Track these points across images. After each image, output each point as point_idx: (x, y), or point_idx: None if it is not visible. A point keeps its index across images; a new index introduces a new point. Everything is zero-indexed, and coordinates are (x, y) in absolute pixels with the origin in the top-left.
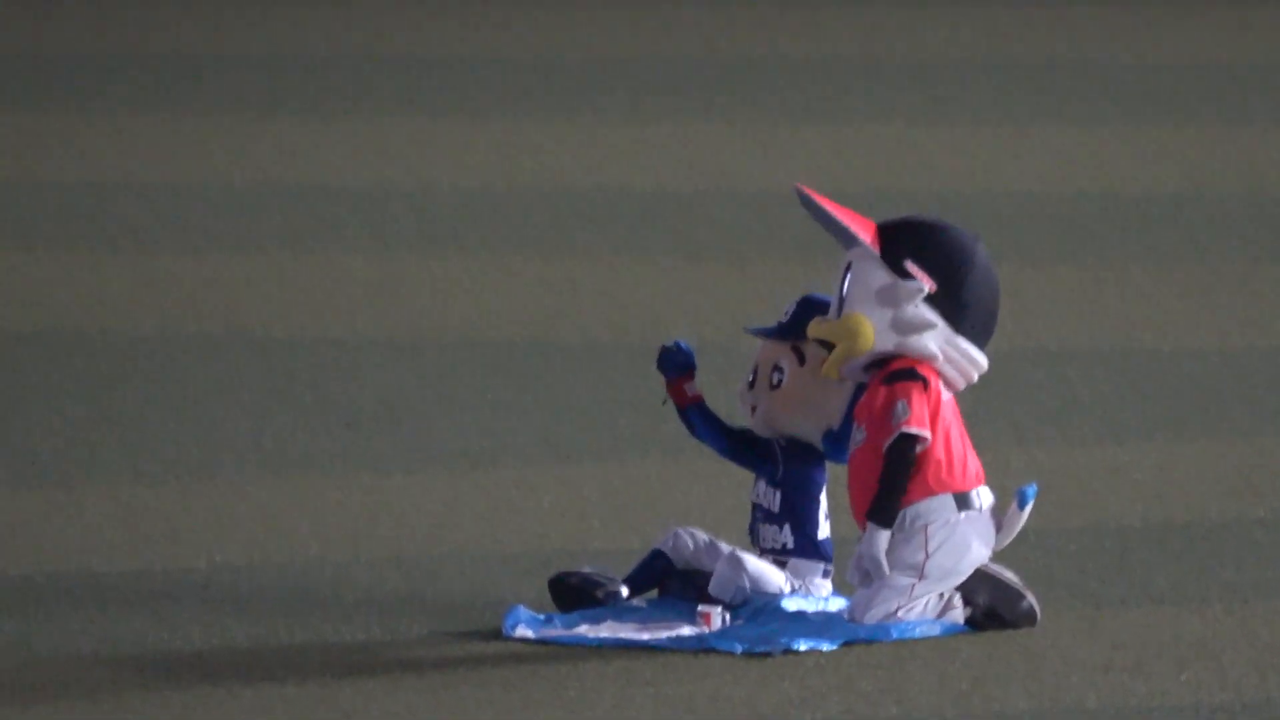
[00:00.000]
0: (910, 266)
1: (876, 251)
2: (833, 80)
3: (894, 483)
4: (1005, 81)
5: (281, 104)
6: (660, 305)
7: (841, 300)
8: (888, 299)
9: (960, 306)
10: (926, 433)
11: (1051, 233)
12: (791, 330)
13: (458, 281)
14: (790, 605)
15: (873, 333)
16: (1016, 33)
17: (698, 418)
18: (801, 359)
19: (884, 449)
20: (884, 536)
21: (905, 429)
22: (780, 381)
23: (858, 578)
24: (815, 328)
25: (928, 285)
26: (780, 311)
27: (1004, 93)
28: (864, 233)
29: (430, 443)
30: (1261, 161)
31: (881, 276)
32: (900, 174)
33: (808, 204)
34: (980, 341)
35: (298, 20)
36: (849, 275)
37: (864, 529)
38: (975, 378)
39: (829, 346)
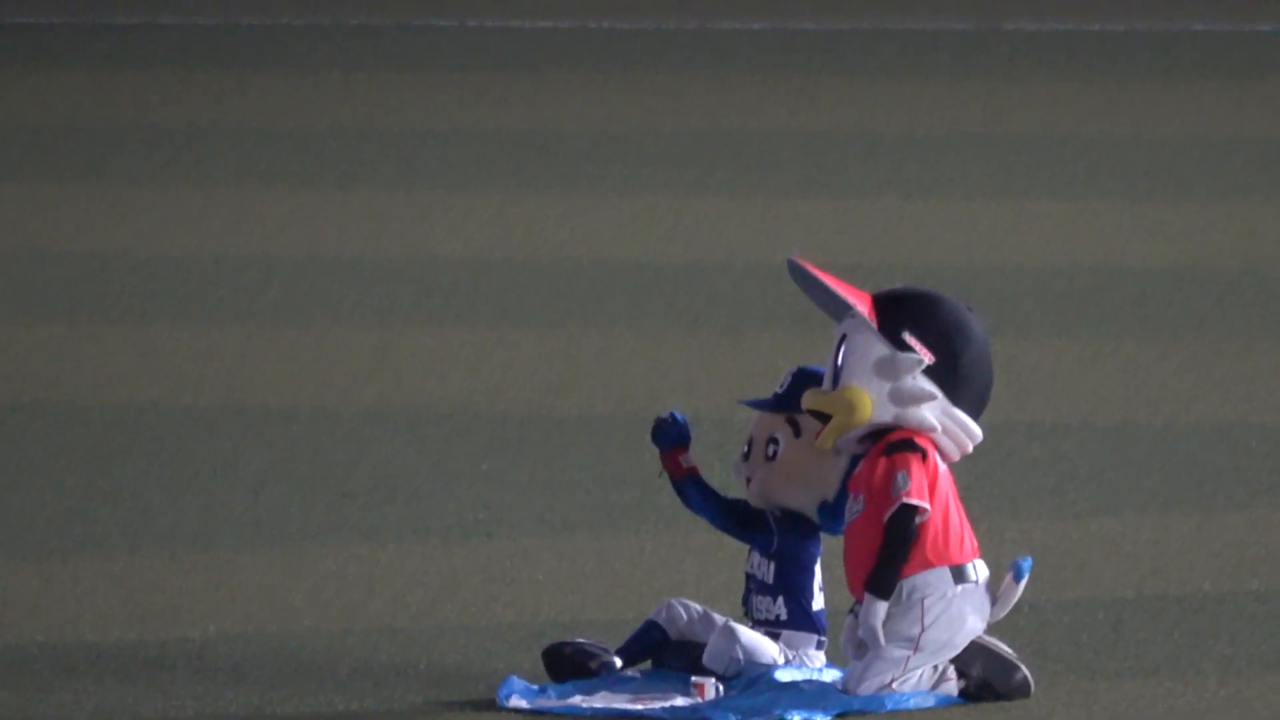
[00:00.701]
0: (908, 338)
1: (873, 323)
2: (829, 153)
3: (894, 554)
4: (1002, 155)
5: (280, 176)
6: (657, 377)
7: (837, 371)
8: (886, 371)
9: (957, 378)
10: (927, 505)
11: (1048, 306)
12: (786, 402)
13: (455, 353)
14: (784, 676)
15: (871, 405)
16: (1013, 106)
17: (693, 490)
18: (797, 431)
19: (885, 520)
20: (882, 608)
21: (906, 500)
22: (776, 453)
23: (852, 649)
24: (811, 399)
25: (927, 357)
26: (775, 383)
27: (1001, 166)
28: (860, 304)
29: (426, 514)
30: (1259, 235)
31: (879, 348)
32: (897, 247)
33: (800, 275)
34: (975, 412)
35: (296, 93)
36: (844, 346)
37: (861, 600)
38: (970, 449)
39: (824, 418)
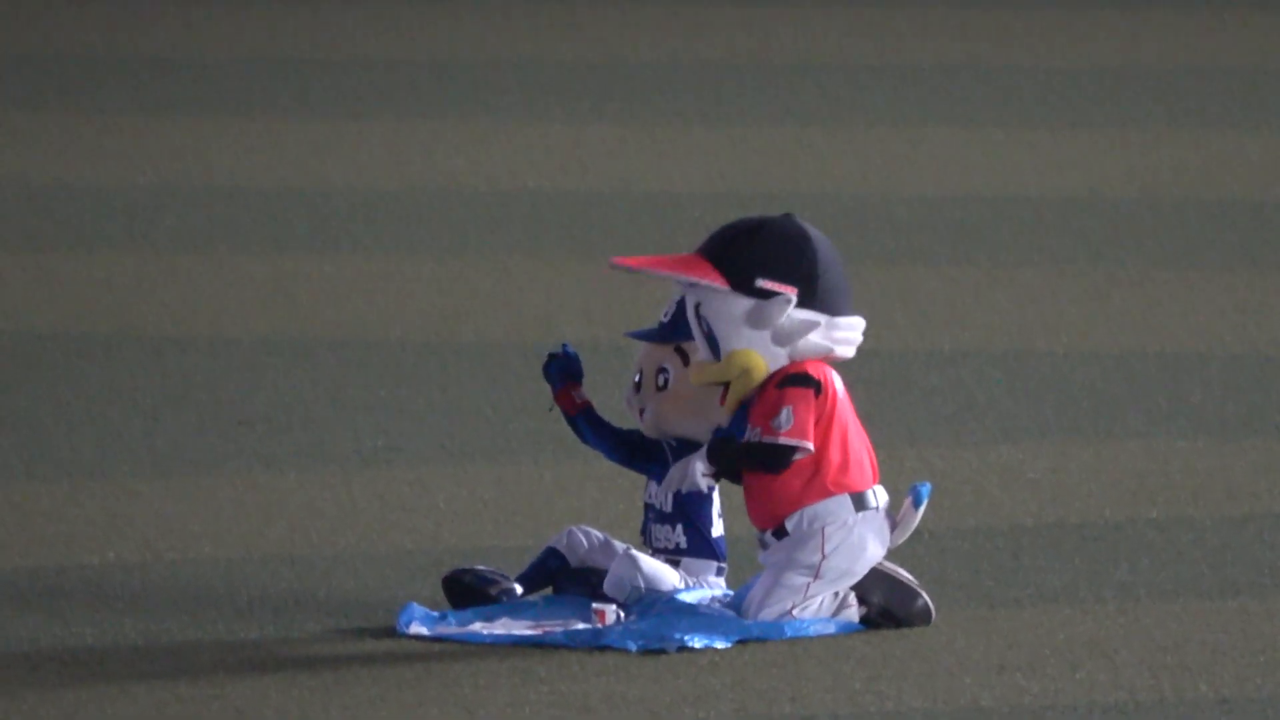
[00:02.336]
0: (762, 283)
1: (721, 283)
2: (725, 82)
3: (745, 459)
4: (899, 84)
5: (175, 105)
6: (553, 306)
7: (710, 340)
8: (759, 322)
9: (821, 292)
10: (808, 444)
11: (945, 235)
12: (673, 332)
13: (351, 282)
14: (686, 598)
15: (763, 361)
16: (910, 35)
17: (586, 425)
18: (685, 360)
19: (758, 440)
20: (700, 467)
21: (784, 440)
22: (666, 383)
23: (666, 489)
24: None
25: (789, 292)
26: (657, 313)
27: (897, 95)
28: (701, 272)
29: (324, 442)
30: (1155, 164)
31: (741, 304)
32: (794, 176)
33: (629, 273)
34: (848, 307)
35: (191, 21)
36: (706, 314)
37: (761, 531)
38: (860, 339)
39: (720, 386)
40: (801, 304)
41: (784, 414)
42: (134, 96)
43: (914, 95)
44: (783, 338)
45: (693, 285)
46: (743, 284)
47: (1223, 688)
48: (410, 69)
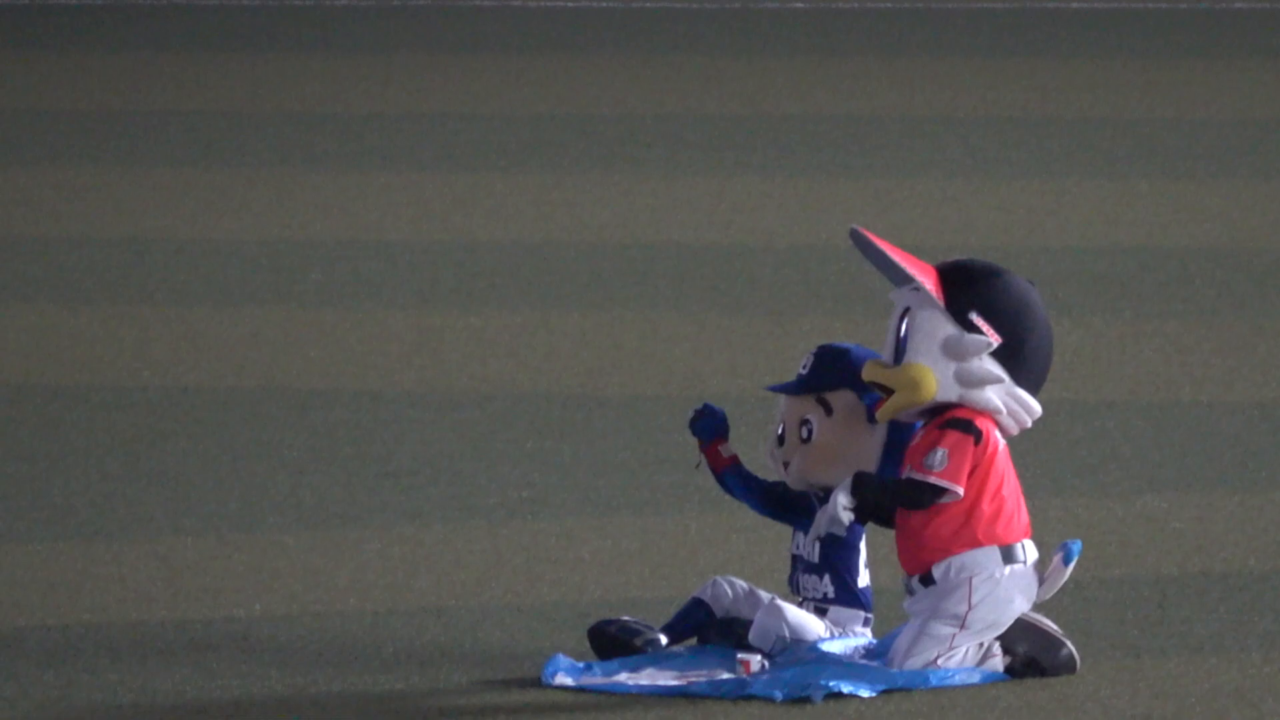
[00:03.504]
0: (976, 319)
1: (940, 300)
2: (869, 135)
3: (890, 494)
4: (1044, 136)
5: (322, 159)
6: (699, 359)
7: (899, 345)
8: (953, 351)
9: (1022, 359)
10: (958, 489)
11: (1090, 287)
12: (813, 383)
13: (496, 336)
14: (829, 647)
15: (935, 384)
16: (1055, 87)
17: (734, 480)
18: (829, 410)
19: (906, 476)
20: (844, 499)
21: (934, 480)
22: (810, 435)
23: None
24: (873, 371)
25: (994, 340)
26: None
27: (1042, 148)
28: (926, 279)
29: (469, 495)
30: None
31: (946, 327)
32: (938, 229)
33: (863, 244)
34: (1035, 389)
35: (339, 77)
36: (908, 320)
37: (908, 577)
38: (1030, 424)
39: (884, 390)
40: (997, 357)
41: (939, 455)
42: (279, 151)
43: (1058, 147)
44: (965, 378)
45: (915, 289)
46: (958, 310)
47: None
48: (555, 123)
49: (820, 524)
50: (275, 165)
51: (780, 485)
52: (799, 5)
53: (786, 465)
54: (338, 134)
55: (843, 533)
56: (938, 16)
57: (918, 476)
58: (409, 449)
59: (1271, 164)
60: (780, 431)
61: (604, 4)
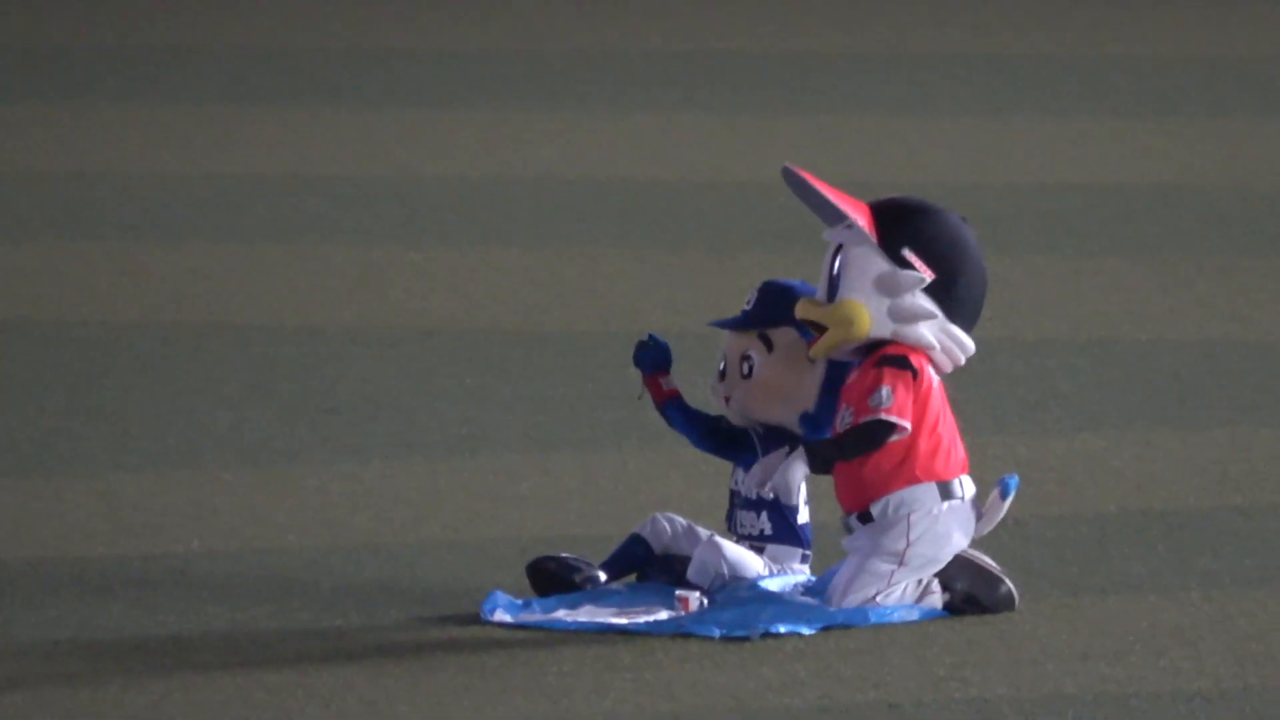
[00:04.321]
0: (909, 255)
1: (873, 237)
2: (814, 72)
3: (845, 448)
4: (988, 74)
5: (265, 96)
6: (641, 296)
7: (832, 282)
8: (886, 287)
9: (955, 295)
10: (906, 424)
11: (1032, 224)
12: (756, 318)
13: (438, 272)
14: (769, 585)
15: (869, 320)
16: (1000, 25)
17: (676, 413)
18: (770, 346)
19: (857, 423)
20: (802, 469)
21: (884, 416)
22: (751, 370)
23: (755, 484)
24: (806, 308)
25: (928, 275)
26: (742, 301)
27: (987, 85)
28: (859, 216)
29: (410, 431)
30: (1244, 154)
31: (879, 264)
32: (882, 165)
33: (796, 183)
34: (969, 326)
35: (282, 13)
36: (841, 257)
37: (846, 515)
38: (963, 361)
39: (818, 328)
40: (931, 293)
41: (884, 392)
42: (224, 87)
43: (1003, 85)
44: (898, 314)
45: (848, 227)
46: (891, 246)
47: None
48: (500, 59)
49: (763, 481)
50: (220, 101)
51: (721, 420)
52: None
53: (728, 400)
54: (283, 70)
55: (793, 501)
56: None
57: (868, 418)
58: (350, 385)
59: (1218, 102)
60: (722, 366)
61: None
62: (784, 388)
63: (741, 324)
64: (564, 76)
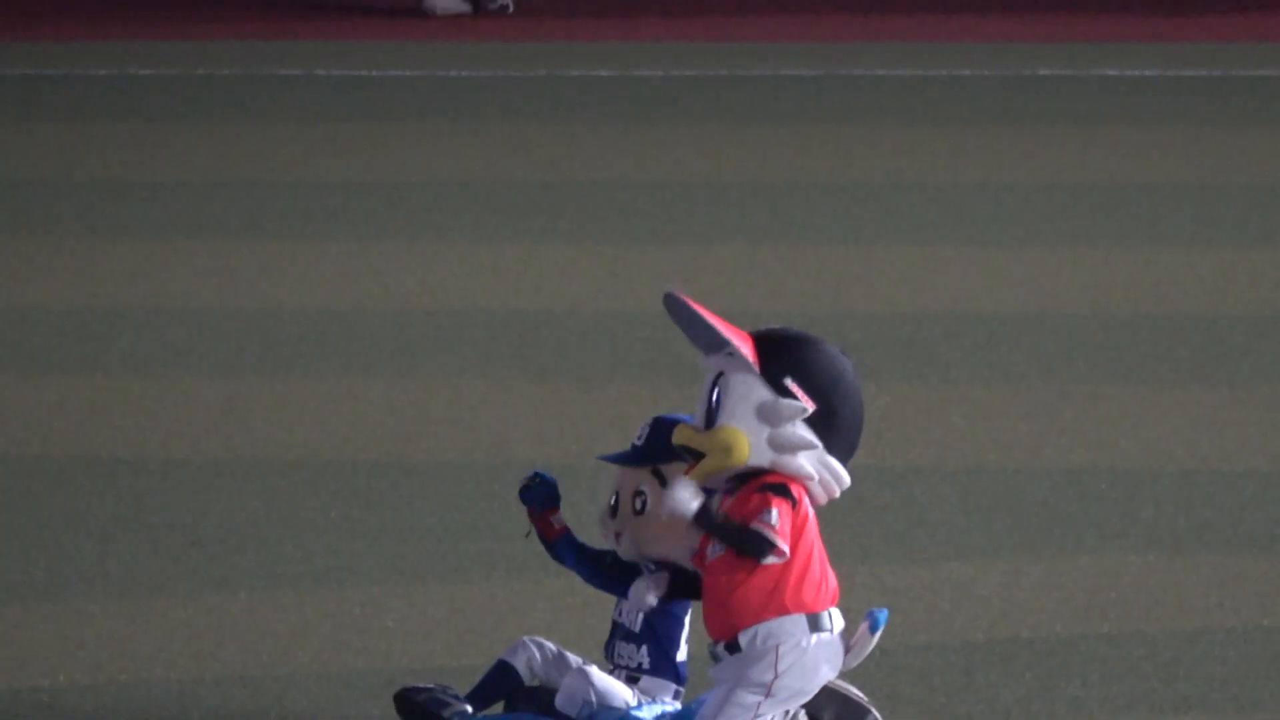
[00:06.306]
0: (791, 385)
1: (756, 366)
2: (676, 201)
3: (728, 534)
4: (850, 202)
5: (127, 227)
6: (506, 426)
7: (711, 409)
8: (767, 416)
9: (834, 428)
10: (786, 549)
11: (896, 352)
12: (647, 454)
13: (303, 404)
14: (638, 714)
15: (748, 448)
16: (860, 152)
17: (566, 549)
18: (663, 482)
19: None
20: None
21: (759, 529)
22: (644, 506)
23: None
24: (684, 435)
25: (809, 406)
26: (626, 432)
27: (849, 213)
28: (742, 344)
29: (276, 563)
30: (1105, 280)
31: (761, 392)
32: (745, 295)
33: (678, 308)
34: (846, 459)
35: (143, 143)
36: (721, 385)
37: (714, 643)
38: (838, 494)
39: (694, 454)
40: (811, 424)
41: (775, 513)
42: (85, 219)
43: (865, 213)
44: (778, 443)
45: (729, 354)
46: (773, 375)
47: None
48: (360, 190)
49: (635, 597)
50: (82, 233)
51: (610, 555)
52: (604, 73)
53: (619, 536)
54: (144, 202)
55: (643, 610)
56: (743, 83)
57: (756, 527)
58: (215, 517)
59: (1077, 229)
60: (613, 502)
61: (408, 72)
62: (678, 524)
63: (634, 460)
64: (424, 208)
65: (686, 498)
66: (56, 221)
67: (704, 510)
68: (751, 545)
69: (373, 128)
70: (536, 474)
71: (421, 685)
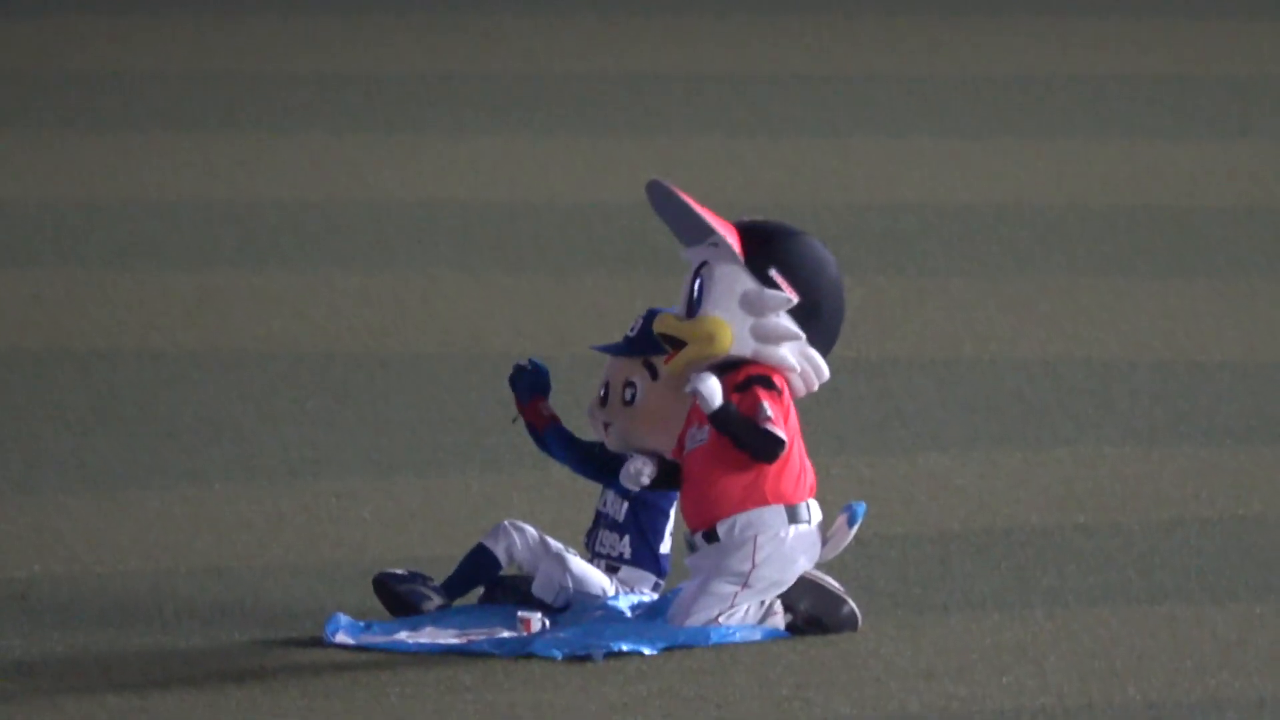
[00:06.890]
0: (775, 276)
1: (741, 256)
2: (653, 94)
3: (745, 435)
4: (827, 94)
5: (103, 120)
6: (481, 318)
7: (693, 299)
8: (752, 306)
9: (817, 319)
10: (785, 437)
11: (873, 245)
12: (640, 345)
13: (278, 296)
14: (612, 604)
15: (731, 337)
16: (837, 45)
17: (554, 438)
18: (654, 374)
19: (756, 439)
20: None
21: (771, 429)
22: (634, 398)
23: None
24: (665, 323)
25: (793, 297)
26: (607, 326)
27: (826, 106)
28: (729, 235)
29: (251, 455)
30: (1082, 172)
31: (746, 282)
32: (721, 187)
33: (662, 197)
34: (826, 351)
35: (118, 36)
36: (705, 274)
37: (692, 533)
38: (816, 387)
39: (675, 343)
40: (794, 316)
41: (766, 406)
42: (60, 113)
43: (841, 106)
44: (761, 333)
45: (714, 244)
46: (758, 266)
47: (1150, 693)
48: (337, 84)
49: (628, 473)
50: (57, 127)
51: (599, 446)
52: None
53: (607, 426)
54: (119, 95)
55: (635, 488)
56: None
57: (773, 429)
58: (191, 409)
59: (1053, 121)
60: (604, 392)
61: None
62: (667, 416)
63: (626, 350)
64: (400, 100)
65: (716, 388)
66: (32, 115)
67: (726, 405)
68: (765, 448)
69: (348, 19)
70: (530, 360)
71: (399, 572)
